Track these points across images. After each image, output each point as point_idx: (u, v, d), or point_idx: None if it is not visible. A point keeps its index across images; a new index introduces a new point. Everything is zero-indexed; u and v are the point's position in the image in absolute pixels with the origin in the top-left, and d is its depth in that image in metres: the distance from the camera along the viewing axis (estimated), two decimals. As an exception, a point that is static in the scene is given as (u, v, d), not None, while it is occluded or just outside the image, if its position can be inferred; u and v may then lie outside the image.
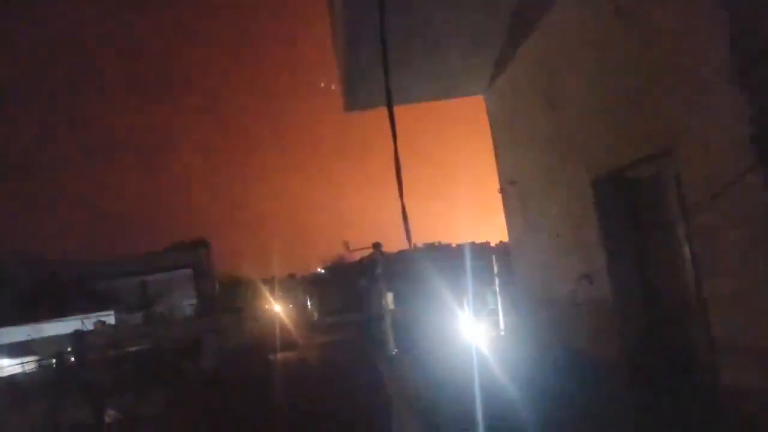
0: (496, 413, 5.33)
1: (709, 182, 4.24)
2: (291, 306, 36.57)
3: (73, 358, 20.63)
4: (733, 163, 3.93)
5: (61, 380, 17.45)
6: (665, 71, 4.55)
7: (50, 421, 10.66)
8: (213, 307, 31.84)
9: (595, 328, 6.32)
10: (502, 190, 8.95)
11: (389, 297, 12.78)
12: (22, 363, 22.52)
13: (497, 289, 12.14)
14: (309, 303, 37.96)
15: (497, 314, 12.05)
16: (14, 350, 25.11)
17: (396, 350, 11.64)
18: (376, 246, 13.45)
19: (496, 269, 12.22)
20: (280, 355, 17.93)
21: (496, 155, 9.13)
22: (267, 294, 32.94)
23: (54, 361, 20.81)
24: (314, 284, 39.45)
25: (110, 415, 10.78)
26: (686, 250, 4.80)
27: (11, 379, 20.04)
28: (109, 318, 29.90)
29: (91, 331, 25.47)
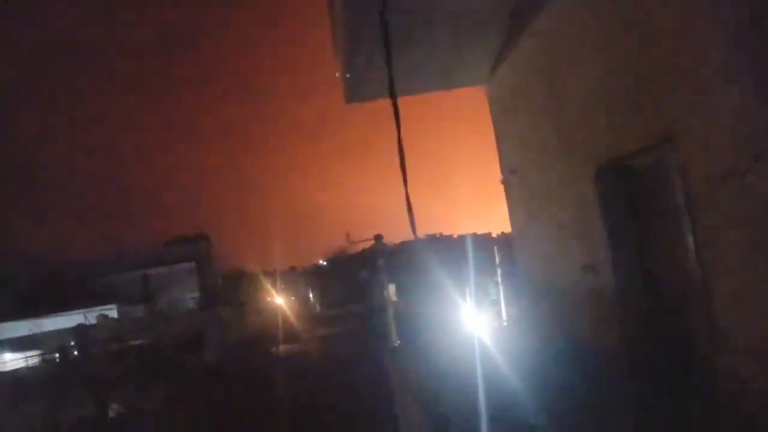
0: (499, 404, 5.32)
1: (709, 179, 4.22)
2: (293, 298, 36.65)
3: (76, 352, 20.71)
4: (735, 153, 3.90)
5: (64, 374, 17.51)
6: (669, 58, 4.51)
7: (54, 415, 10.69)
8: (215, 300, 31.92)
9: (596, 318, 6.31)
10: (504, 181, 8.92)
11: (391, 288, 12.77)
12: (25, 357, 22.60)
13: (499, 280, 12.13)
14: (311, 295, 38.03)
15: (499, 305, 12.05)
16: (17, 345, 25.20)
17: (398, 341, 11.65)
18: (378, 238, 13.44)
19: (497, 260, 12.21)
20: (282, 348, 17.96)
21: (498, 145, 9.09)
22: (269, 287, 33.00)
23: (57, 355, 20.88)
24: (316, 276, 39.53)
25: (114, 408, 10.81)
26: (689, 240, 4.77)
27: (15, 373, 20.12)
28: (112, 312, 29.99)
29: (94, 325, 25.55)
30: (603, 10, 5.41)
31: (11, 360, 23.58)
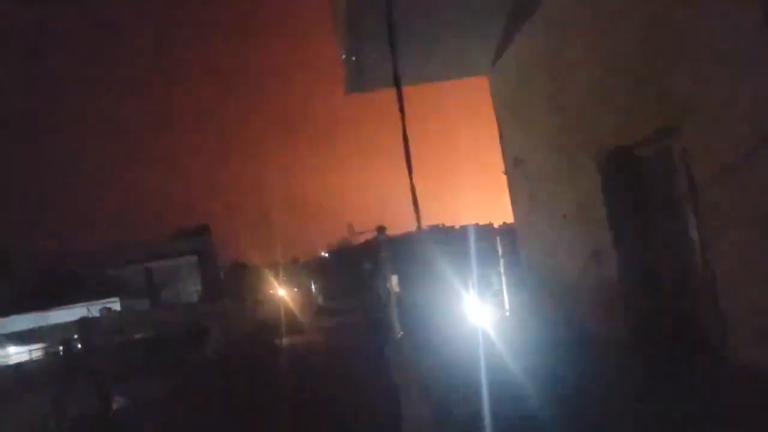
0: (503, 395, 5.30)
1: (717, 159, 4.18)
2: (296, 290, 36.68)
3: (80, 346, 20.77)
4: (741, 141, 3.86)
5: (68, 367, 17.56)
6: (672, 49, 4.45)
7: (58, 408, 10.73)
8: (218, 293, 31.99)
9: (601, 307, 6.29)
10: (507, 171, 8.87)
11: (394, 280, 12.72)
12: (29, 350, 22.69)
13: (502, 270, 12.09)
14: (313, 287, 38.10)
15: (502, 295, 12.01)
16: (22, 338, 25.30)
17: (402, 333, 11.63)
18: (380, 229, 13.39)
19: (500, 250, 12.16)
20: (285, 340, 17.99)
21: (501, 135, 9.04)
22: (272, 279, 33.04)
23: (61, 348, 20.95)
24: (319, 268, 39.56)
25: (117, 401, 10.83)
26: (693, 228, 4.74)
27: (19, 366, 20.21)
28: (115, 305, 30.08)
29: (98, 319, 25.63)
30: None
31: (15, 353, 23.68)
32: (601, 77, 5.66)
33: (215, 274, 37.37)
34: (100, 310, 27.76)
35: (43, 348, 22.38)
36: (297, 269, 38.70)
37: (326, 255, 42.33)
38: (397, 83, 4.10)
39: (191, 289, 34.94)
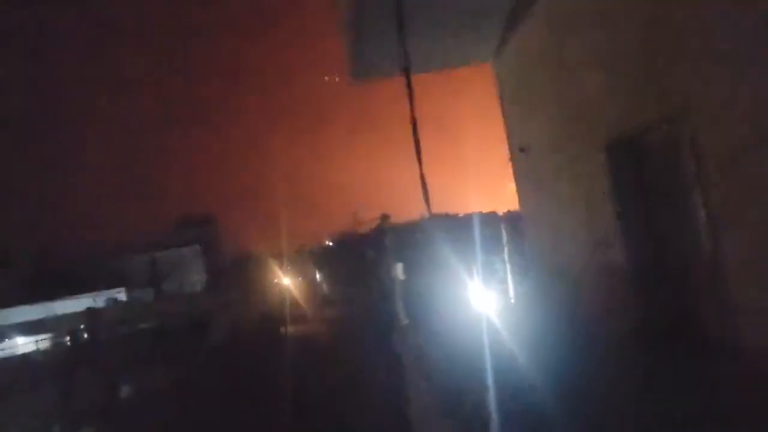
0: (508, 384, 5.29)
1: (726, 145, 4.12)
2: (300, 279, 36.76)
3: (86, 336, 20.87)
4: (752, 126, 3.80)
5: (75, 357, 17.66)
6: (680, 33, 4.39)
7: (65, 398, 10.79)
8: (223, 282, 32.09)
9: (606, 295, 6.26)
10: (512, 159, 8.82)
11: (399, 268, 12.70)
12: (36, 341, 22.84)
13: (506, 258, 12.06)
14: (318, 276, 38.16)
15: (507, 283, 11.99)
16: (28, 329, 25.46)
17: (407, 321, 11.64)
18: (385, 217, 13.36)
19: (505, 238, 12.12)
20: (290, 329, 18.03)
21: (506, 123, 8.97)
22: (276, 268, 33.11)
23: (68, 338, 21.07)
24: (323, 257, 39.58)
25: (124, 390, 10.90)
26: (702, 214, 4.69)
27: (26, 356, 20.34)
28: (120, 295, 30.22)
29: (104, 309, 25.76)
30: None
31: (22, 344, 23.84)
32: (607, 63, 5.59)
33: (219, 263, 37.47)
34: (106, 301, 27.90)
35: (50, 339, 22.52)
36: (301, 258, 38.73)
37: (331, 244, 42.32)
38: (405, 69, 4.05)
39: (195, 279, 35.06)
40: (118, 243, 35.42)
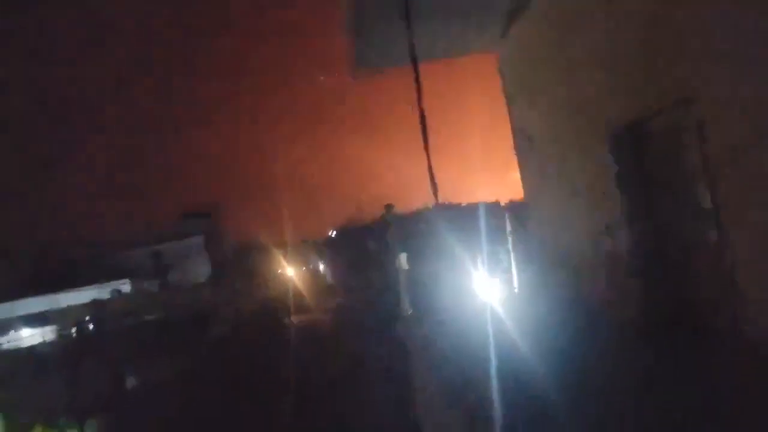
0: (512, 373, 5.28)
1: (732, 134, 4.07)
2: (304, 269, 36.84)
3: (91, 327, 20.99)
4: (760, 114, 3.75)
5: (80, 349, 17.76)
6: (685, 22, 4.32)
7: (71, 390, 10.85)
8: (226, 273, 32.17)
9: (611, 283, 6.23)
10: (516, 147, 8.76)
11: (403, 258, 12.69)
12: (42, 333, 22.97)
13: (510, 248, 12.03)
14: (322, 266, 38.21)
15: (510, 272, 11.97)
16: (34, 321, 25.60)
17: (411, 311, 11.64)
18: (388, 207, 13.34)
19: (508, 227, 12.09)
20: (293, 319, 18.08)
21: (509, 111, 8.90)
22: (279, 259, 33.17)
23: (74, 330, 21.20)
24: (327, 248, 39.61)
25: (130, 381, 10.95)
26: (706, 204, 4.65)
27: (33, 348, 20.45)
28: (125, 287, 30.33)
29: (109, 301, 25.87)
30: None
31: (28, 336, 23.98)
32: (611, 51, 5.53)
33: (223, 254, 37.55)
34: (111, 293, 28.02)
35: (56, 330, 22.65)
36: (305, 248, 38.78)
37: (334, 234, 42.33)
38: (413, 57, 4.00)
39: (200, 269, 35.15)
40: (122, 235, 35.53)
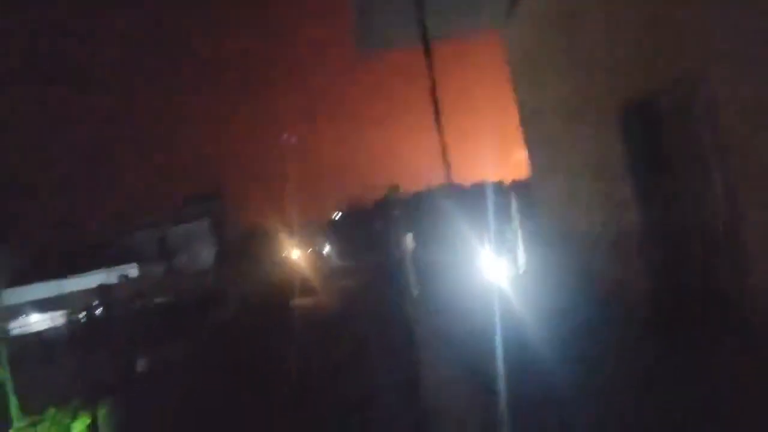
0: (519, 354, 5.29)
1: (745, 108, 3.99)
2: (309, 252, 36.92)
3: (99, 312, 21.14)
4: (765, 97, 3.67)
5: (90, 333, 17.92)
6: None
7: (81, 373, 10.95)
8: (232, 256, 32.26)
9: (619, 263, 6.19)
10: (523, 126, 8.68)
11: (409, 238, 12.71)
12: (51, 318, 23.17)
13: (516, 227, 12.00)
14: (327, 248, 38.30)
15: (516, 252, 11.96)
16: (43, 306, 25.81)
17: (418, 291, 11.67)
18: (393, 188, 13.33)
19: (514, 207, 12.05)
20: (299, 301, 18.14)
21: (515, 90, 8.80)
22: (285, 241, 33.24)
23: (83, 314, 21.38)
24: (332, 229, 39.67)
25: (140, 365, 11.04)
26: (717, 181, 4.58)
27: (42, 333, 20.65)
28: (132, 271, 30.49)
29: (116, 285, 26.04)
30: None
31: (37, 321, 24.20)
32: (621, 26, 5.42)
33: (229, 237, 37.63)
34: (118, 278, 28.18)
35: (65, 315, 22.84)
36: (310, 230, 38.83)
37: (339, 216, 42.36)
38: (423, 35, 3.93)
39: (205, 253, 35.27)
40: (129, 220, 35.64)
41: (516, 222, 11.98)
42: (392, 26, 6.60)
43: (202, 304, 19.11)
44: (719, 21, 4.08)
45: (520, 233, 11.84)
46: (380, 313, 11.66)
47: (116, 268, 29.77)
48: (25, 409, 6.97)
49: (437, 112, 3.72)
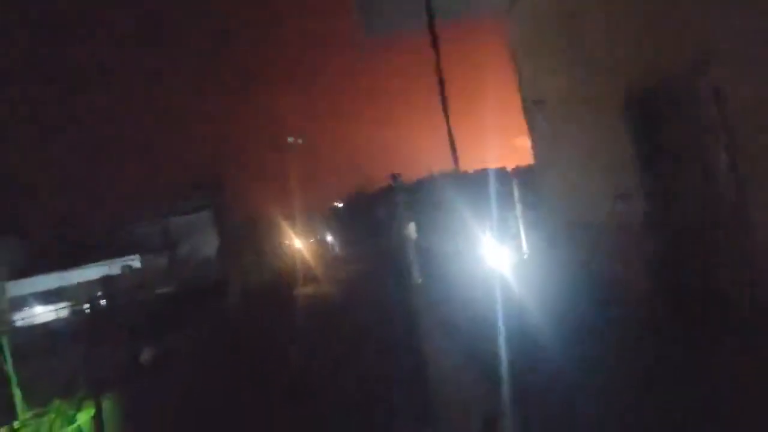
0: (521, 342, 5.27)
1: (750, 97, 3.93)
2: (311, 241, 36.95)
3: (104, 303, 21.21)
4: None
5: (94, 325, 17.98)
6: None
7: (87, 365, 10.99)
8: (235, 246, 32.28)
9: (625, 250, 6.14)
10: (526, 113, 8.59)
11: (411, 226, 12.67)
12: (55, 309, 23.24)
13: (519, 214, 11.96)
14: (329, 237, 38.32)
15: (519, 239, 11.92)
16: (46, 298, 25.88)
17: (421, 279, 11.66)
18: (395, 176, 13.26)
19: (516, 194, 12.00)
20: (302, 290, 18.16)
21: (519, 76, 8.71)
22: (287, 230, 33.24)
23: (87, 306, 21.46)
24: (334, 218, 39.69)
25: (145, 354, 11.05)
26: (724, 165, 4.53)
27: (47, 325, 20.72)
28: (135, 262, 30.53)
29: (120, 276, 26.10)
30: None
31: (41, 312, 24.27)
32: (625, 13, 5.34)
33: (231, 227, 37.62)
34: (122, 268, 28.23)
35: (69, 306, 22.91)
36: (312, 220, 38.83)
37: (341, 204, 42.34)
38: (430, 18, 3.86)
39: (208, 243, 35.29)
40: (130, 209, 35.60)
41: (518, 209, 11.94)
42: (398, 10, 6.51)
43: (205, 294, 19.15)
44: (722, 12, 4.01)
45: (522, 221, 11.80)
46: (382, 302, 11.64)
47: (119, 259, 29.82)
48: (30, 401, 6.99)
49: (443, 97, 3.66)
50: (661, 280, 5.43)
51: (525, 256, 11.54)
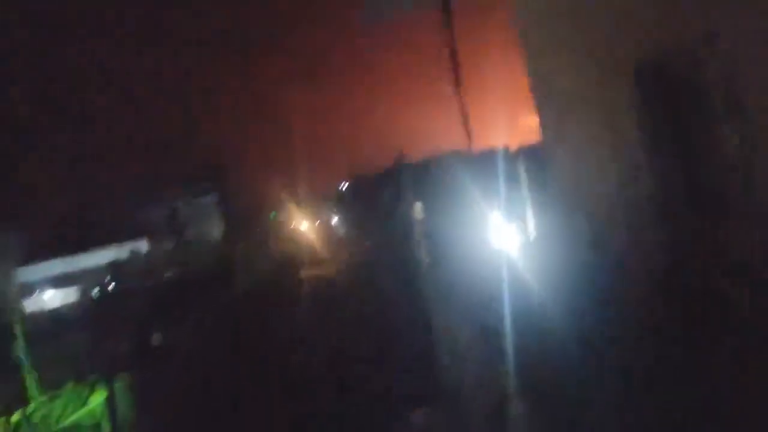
0: (530, 320, 5.26)
1: (757, 78, 3.86)
2: (317, 224, 36.99)
3: (112, 288, 21.36)
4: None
5: (104, 309, 18.13)
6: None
7: (99, 348, 11.09)
8: (241, 229, 32.38)
9: (635, 229, 6.09)
10: (533, 89, 8.47)
11: (417, 207, 12.65)
12: (64, 294, 23.44)
13: (525, 195, 11.90)
14: (335, 219, 38.33)
15: (526, 220, 11.88)
16: (54, 283, 26.09)
17: (427, 260, 11.66)
18: (400, 156, 13.21)
19: (523, 174, 11.92)
20: (308, 273, 18.21)
21: (523, 51, 8.57)
22: (293, 213, 33.29)
23: (96, 291, 21.63)
24: (340, 200, 39.62)
25: (153, 340, 11.15)
26: (734, 144, 4.47)
27: (56, 310, 20.92)
28: (142, 247, 30.69)
29: (128, 261, 26.25)
30: None
31: (50, 297, 24.49)
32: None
33: (237, 210, 37.71)
34: (130, 253, 28.38)
35: (78, 291, 23.10)
36: (318, 202, 38.81)
37: (346, 186, 42.21)
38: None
39: (214, 226, 35.41)
40: (136, 194, 35.67)
41: (525, 188, 11.87)
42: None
43: (212, 278, 19.24)
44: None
45: (529, 199, 11.74)
46: (389, 284, 11.67)
47: (126, 243, 29.96)
48: (43, 384, 7.07)
49: (456, 73, 3.60)
50: (673, 257, 5.38)
51: (532, 236, 11.51)
